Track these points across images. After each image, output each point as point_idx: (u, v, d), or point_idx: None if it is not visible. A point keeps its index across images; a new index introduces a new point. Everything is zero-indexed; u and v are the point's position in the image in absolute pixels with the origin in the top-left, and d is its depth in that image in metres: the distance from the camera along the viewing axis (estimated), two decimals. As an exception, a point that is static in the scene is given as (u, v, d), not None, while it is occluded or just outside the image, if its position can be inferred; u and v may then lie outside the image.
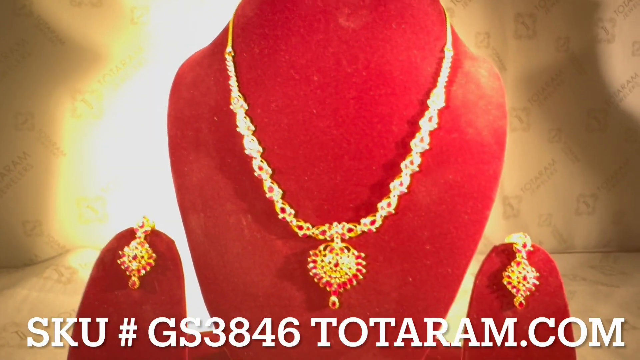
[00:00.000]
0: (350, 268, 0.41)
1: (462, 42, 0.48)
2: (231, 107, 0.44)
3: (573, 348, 0.43)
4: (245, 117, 0.43)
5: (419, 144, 0.42)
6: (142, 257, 0.43)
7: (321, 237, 0.42)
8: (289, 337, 0.43)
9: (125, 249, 0.43)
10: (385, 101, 0.43)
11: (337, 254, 0.41)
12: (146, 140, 1.11)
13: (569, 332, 0.43)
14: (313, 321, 0.42)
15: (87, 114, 1.12)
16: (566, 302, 0.43)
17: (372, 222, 0.42)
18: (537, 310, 0.43)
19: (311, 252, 0.42)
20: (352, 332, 0.42)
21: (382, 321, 0.42)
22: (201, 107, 0.45)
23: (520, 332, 0.43)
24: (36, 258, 1.13)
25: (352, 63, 0.42)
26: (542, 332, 0.43)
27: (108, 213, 1.13)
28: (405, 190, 0.42)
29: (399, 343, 0.42)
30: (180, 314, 0.43)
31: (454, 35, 0.46)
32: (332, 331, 0.42)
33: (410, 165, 0.42)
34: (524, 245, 0.42)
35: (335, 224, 0.42)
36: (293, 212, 0.42)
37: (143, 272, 0.43)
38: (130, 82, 1.13)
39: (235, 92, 0.44)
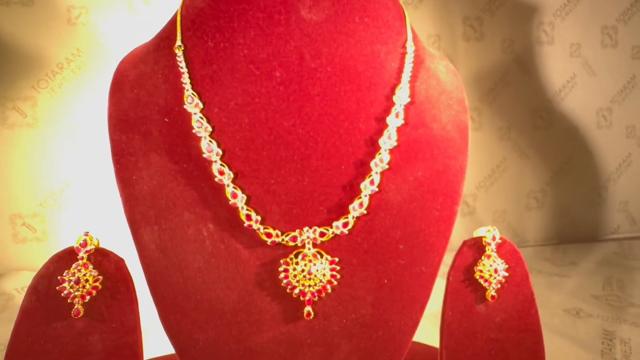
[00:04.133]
0: (324, 275, 0.39)
1: (419, 38, 0.48)
2: (185, 106, 0.39)
3: (541, 335, 0.44)
4: (201, 117, 0.39)
5: (387, 141, 0.41)
6: (87, 280, 0.37)
7: (292, 243, 0.39)
8: (260, 353, 0.39)
9: (65, 272, 0.37)
10: (352, 97, 0.41)
11: (310, 261, 0.39)
12: (88, 150, 1.02)
13: (536, 321, 0.44)
14: (286, 335, 0.39)
15: (20, 123, 1.01)
16: (532, 291, 0.44)
17: (345, 224, 0.40)
18: (507, 301, 0.44)
19: (282, 261, 0.39)
20: (329, 341, 0.40)
21: (359, 327, 0.40)
22: (149, 107, 0.41)
23: (492, 324, 0.43)
24: (-36, 284, 0.99)
25: (315, 57, 0.40)
26: (512, 322, 0.44)
27: (47, 231, 1.01)
28: (377, 189, 0.40)
29: (377, 347, 0.41)
30: (134, 343, 0.38)
31: (413, 31, 0.46)
32: (307, 343, 0.40)
33: (380, 163, 0.40)
34: (493, 238, 0.43)
35: (306, 228, 0.39)
36: (259, 218, 0.39)
37: (88, 297, 0.37)
38: (69, 88, 1.03)
39: (189, 90, 0.40)
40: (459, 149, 0.44)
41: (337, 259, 0.39)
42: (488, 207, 1.31)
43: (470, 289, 0.42)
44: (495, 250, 0.43)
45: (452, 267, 0.43)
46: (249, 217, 0.39)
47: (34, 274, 0.37)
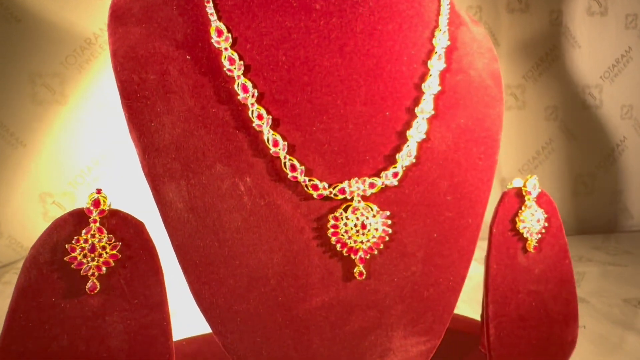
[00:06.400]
0: (377, 229, 0.35)
1: None
2: (212, 41, 0.34)
3: (574, 286, 0.44)
4: (232, 54, 0.34)
5: (432, 85, 0.38)
6: (103, 247, 0.30)
7: (340, 196, 0.35)
8: (309, 321, 0.35)
9: (75, 239, 0.30)
10: (394, 37, 0.38)
11: (362, 215, 0.35)
12: (118, 127, 0.96)
13: (569, 270, 0.44)
14: (336, 299, 0.35)
15: (49, 100, 0.96)
16: (566, 241, 0.44)
17: (395, 175, 0.36)
18: (545, 252, 0.43)
19: (331, 216, 0.35)
20: (381, 303, 0.36)
21: (410, 286, 0.37)
22: (164, 43, 0.34)
23: (532, 276, 0.43)
24: (-6, 262, 0.92)
25: (358, -10, 0.36)
26: (549, 274, 0.43)
27: None
28: (424, 136, 0.37)
29: (428, 306, 0.38)
30: (162, 321, 0.32)
31: (441, -25, 0.43)
32: (359, 307, 0.36)
33: (426, 109, 0.37)
34: (534, 187, 0.41)
35: (355, 180, 0.35)
36: (304, 169, 0.34)
37: (105, 269, 0.30)
38: (97, 63, 0.98)
39: (216, 22, 0.34)
40: (495, 97, 0.42)
41: (388, 213, 0.36)
42: None
43: (514, 240, 0.41)
44: (535, 199, 0.41)
45: (495, 218, 0.41)
46: (293, 168, 0.34)
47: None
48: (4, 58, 0.95)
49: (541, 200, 0.43)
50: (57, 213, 0.92)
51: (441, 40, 0.39)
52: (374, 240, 0.35)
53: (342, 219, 0.35)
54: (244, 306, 0.34)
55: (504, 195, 0.42)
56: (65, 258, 0.30)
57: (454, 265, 0.39)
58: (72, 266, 0.30)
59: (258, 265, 0.34)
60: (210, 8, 0.34)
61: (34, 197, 0.99)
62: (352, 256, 0.35)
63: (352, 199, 0.35)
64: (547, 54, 1.18)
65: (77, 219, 0.31)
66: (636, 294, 0.83)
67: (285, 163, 0.34)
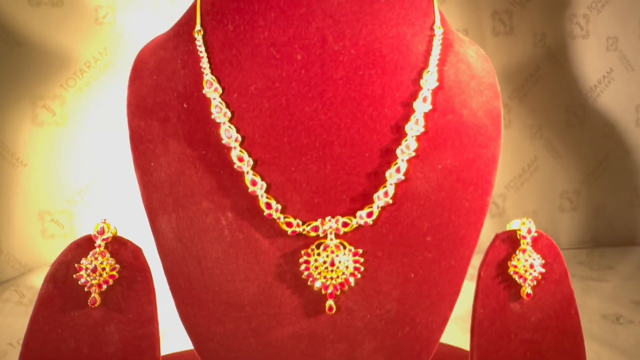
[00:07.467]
0: (347, 267, 0.37)
1: (448, 21, 0.45)
2: (204, 91, 0.38)
3: (581, 338, 0.41)
4: (220, 103, 0.38)
5: (414, 127, 0.38)
6: (104, 269, 0.36)
7: (313, 234, 0.37)
8: (280, 348, 0.37)
9: (83, 260, 0.36)
10: (376, 81, 0.39)
11: (332, 252, 0.37)
12: (115, 148, 1.02)
13: (576, 322, 0.41)
14: (307, 329, 0.37)
15: (49, 121, 1.02)
16: (572, 290, 0.41)
17: (369, 215, 0.38)
18: (544, 300, 0.41)
19: (303, 252, 0.37)
20: (352, 337, 0.38)
21: (384, 324, 0.38)
22: (167, 93, 0.40)
23: (528, 324, 0.41)
24: (-6, 279, 1.01)
25: (338, 40, 0.38)
26: (549, 322, 0.41)
27: (75, 227, 1.02)
28: (403, 178, 0.38)
29: (403, 345, 0.38)
30: (152, 335, 0.37)
31: (441, 14, 0.44)
32: (329, 339, 0.38)
33: (406, 150, 0.38)
34: (529, 231, 0.40)
35: (328, 218, 0.37)
36: (280, 207, 0.37)
37: (105, 286, 0.36)
38: (96, 86, 1.04)
39: (207, 75, 0.38)
40: (490, 137, 0.41)
41: (360, 251, 0.37)
42: (518, 208, 1.26)
43: (504, 286, 0.40)
44: (530, 244, 0.40)
45: (484, 262, 0.40)
46: (268, 206, 0.37)
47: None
48: (6, 81, 1.00)
49: (540, 244, 0.41)
50: (56, 230, 1.01)
51: (428, 82, 0.40)
52: (344, 276, 0.37)
53: (313, 255, 0.37)
54: (221, 328, 0.38)
55: (495, 238, 0.41)
56: (74, 275, 0.36)
57: (434, 307, 0.39)
58: (80, 282, 0.36)
59: (235, 292, 0.37)
60: (204, 63, 0.39)
61: (33, 215, 1.03)
62: (323, 291, 0.37)
63: (325, 237, 0.37)
64: (531, 75, 1.22)
65: (87, 243, 0.37)
66: (615, 310, 0.83)
67: (262, 201, 0.37)
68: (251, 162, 0.38)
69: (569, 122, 1.25)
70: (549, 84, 1.23)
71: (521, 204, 1.26)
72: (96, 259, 0.36)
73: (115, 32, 1.04)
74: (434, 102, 0.39)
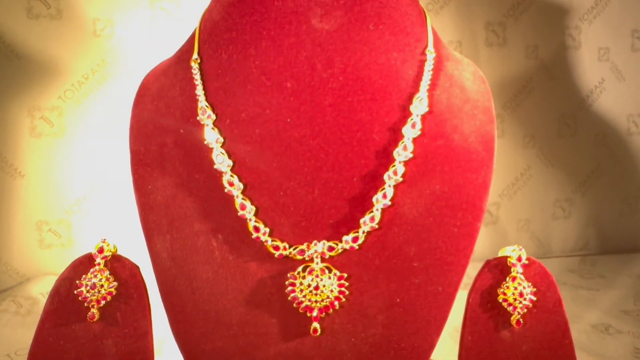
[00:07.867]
0: (332, 290, 0.38)
1: (444, 44, 0.45)
2: (198, 118, 0.40)
3: (575, 368, 0.40)
4: (213, 129, 0.40)
5: (402, 152, 0.39)
6: (102, 285, 0.38)
7: (299, 257, 0.38)
8: (267, 369, 0.39)
9: (83, 277, 0.39)
10: (365, 107, 0.40)
11: (317, 276, 0.38)
12: (112, 159, 1.03)
13: (570, 353, 0.40)
14: (292, 350, 0.38)
15: (47, 132, 1.04)
16: (566, 319, 0.40)
17: (355, 239, 0.38)
18: (535, 329, 0.40)
19: (289, 275, 0.38)
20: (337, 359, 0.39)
21: (368, 347, 0.39)
22: (166, 119, 0.42)
23: (518, 352, 0.40)
24: (-9, 289, 1.02)
25: (327, 67, 0.39)
26: (541, 352, 0.40)
27: (73, 237, 1.04)
28: (389, 203, 0.38)
29: (388, 371, 0.39)
30: (146, 348, 0.39)
31: (435, 36, 0.44)
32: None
33: (393, 175, 0.39)
34: (519, 259, 0.39)
35: (314, 242, 0.38)
36: (268, 230, 0.39)
37: (103, 302, 0.39)
38: (94, 98, 1.06)
39: (202, 102, 0.40)
40: (482, 162, 0.41)
41: (345, 275, 0.38)
42: (512, 216, 1.24)
43: (493, 313, 0.39)
44: (521, 271, 0.39)
45: (473, 289, 0.40)
46: (257, 229, 0.38)
47: (59, 279, 0.39)
48: (5, 93, 1.00)
49: (532, 272, 0.40)
50: (53, 240, 1.01)
51: (418, 107, 0.40)
52: (329, 300, 0.38)
53: (299, 278, 0.38)
54: (210, 346, 0.39)
55: (485, 265, 0.41)
56: (75, 291, 0.39)
57: (420, 332, 0.39)
58: (80, 298, 0.39)
59: (224, 311, 0.39)
60: (199, 90, 0.41)
61: (30, 225, 1.03)
62: (308, 314, 0.38)
63: (312, 260, 0.38)
64: (524, 85, 1.21)
65: (87, 261, 0.40)
66: (604, 319, 0.81)
67: (250, 225, 0.38)
68: (241, 186, 0.39)
69: (561, 132, 1.25)
70: (542, 95, 1.23)
71: (514, 212, 1.24)
72: (95, 276, 0.39)
73: (113, 45, 1.06)
74: (423, 128, 0.40)
